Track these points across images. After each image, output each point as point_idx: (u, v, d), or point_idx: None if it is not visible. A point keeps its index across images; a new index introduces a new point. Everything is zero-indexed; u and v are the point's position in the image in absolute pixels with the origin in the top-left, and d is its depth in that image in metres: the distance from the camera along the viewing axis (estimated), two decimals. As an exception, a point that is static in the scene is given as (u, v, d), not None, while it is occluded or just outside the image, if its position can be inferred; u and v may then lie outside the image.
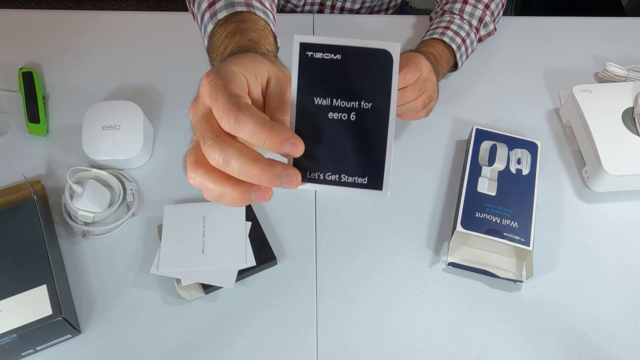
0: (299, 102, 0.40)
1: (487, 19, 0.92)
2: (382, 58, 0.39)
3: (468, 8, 0.90)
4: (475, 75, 0.96)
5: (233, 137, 0.37)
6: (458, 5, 0.90)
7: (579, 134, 0.87)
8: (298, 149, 0.37)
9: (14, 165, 0.84)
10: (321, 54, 0.39)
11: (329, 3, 1.05)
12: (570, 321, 0.73)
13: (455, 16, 0.90)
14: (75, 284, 0.74)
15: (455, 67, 0.92)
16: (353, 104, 0.40)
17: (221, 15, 0.60)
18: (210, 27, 0.60)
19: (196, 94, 0.41)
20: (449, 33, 0.88)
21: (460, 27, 0.89)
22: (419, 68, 0.74)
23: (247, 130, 0.36)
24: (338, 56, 0.39)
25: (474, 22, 0.91)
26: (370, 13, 1.11)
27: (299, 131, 0.40)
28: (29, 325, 0.64)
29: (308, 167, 0.40)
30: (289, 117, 0.39)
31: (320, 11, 1.06)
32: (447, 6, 0.92)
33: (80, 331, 0.71)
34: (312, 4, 1.05)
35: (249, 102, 0.39)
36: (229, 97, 0.37)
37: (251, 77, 0.40)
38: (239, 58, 0.41)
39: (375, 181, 0.40)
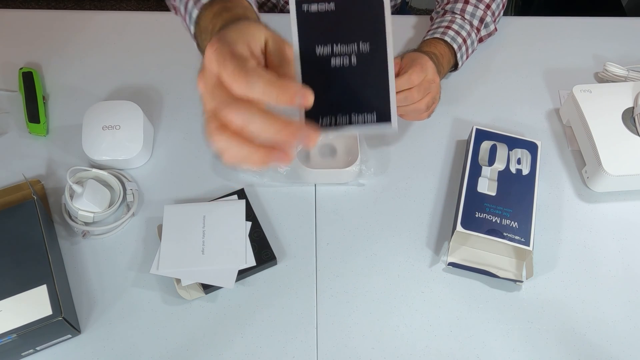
0: (302, 55, 0.42)
1: (488, 19, 0.92)
2: (372, 1, 0.42)
3: (469, 8, 0.90)
4: (475, 75, 0.96)
5: (246, 100, 0.39)
6: (459, 5, 0.90)
7: (579, 134, 0.87)
8: (308, 99, 0.39)
9: (14, 165, 0.84)
10: (316, 5, 0.42)
11: None
12: (570, 321, 0.73)
13: (456, 16, 0.90)
14: (75, 284, 0.74)
15: (455, 67, 0.92)
16: (352, 48, 0.42)
17: None
18: (195, 12, 0.61)
19: (201, 66, 0.42)
20: (451, 33, 0.88)
21: (462, 27, 0.89)
22: (424, 69, 0.74)
23: (258, 91, 0.38)
24: (332, 5, 0.42)
25: (475, 22, 0.91)
26: None
27: (306, 82, 0.42)
28: (29, 325, 0.64)
29: (320, 114, 0.42)
30: (295, 71, 0.42)
31: None
32: (449, 6, 0.92)
33: (80, 331, 0.71)
34: None
35: (255, 64, 0.41)
36: (236, 63, 0.39)
37: (251, 40, 0.42)
38: (235, 25, 0.44)
39: (383, 115, 0.43)
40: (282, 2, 1.05)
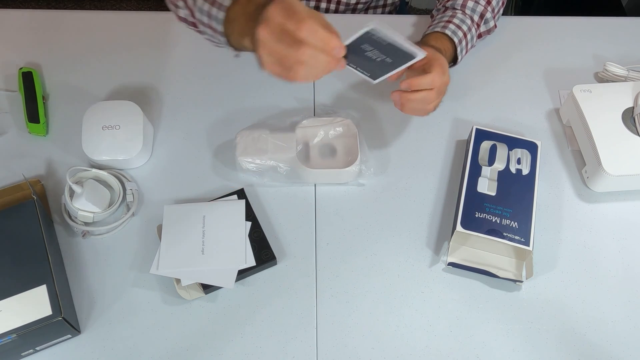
0: (351, 42, 0.62)
1: (488, 15, 0.93)
2: (408, 55, 0.65)
3: (470, 3, 0.90)
4: (475, 75, 0.96)
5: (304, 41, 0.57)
6: (460, 1, 0.91)
7: (579, 134, 0.87)
8: (341, 52, 0.59)
9: (14, 165, 0.84)
10: (377, 36, 0.61)
11: None
12: (570, 321, 0.73)
13: (457, 11, 0.90)
14: (75, 284, 0.74)
15: (454, 61, 0.92)
16: (383, 58, 0.66)
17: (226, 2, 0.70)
18: (221, 14, 0.70)
19: (263, 20, 0.58)
20: (451, 27, 0.88)
21: (462, 22, 0.89)
22: (444, 71, 0.75)
23: (315, 40, 0.57)
24: (385, 43, 0.62)
25: (476, 18, 0.91)
26: (367, 9, 1.11)
27: (348, 49, 0.62)
28: (29, 325, 0.64)
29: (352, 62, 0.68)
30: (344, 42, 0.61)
31: (317, 7, 1.06)
32: (449, 2, 0.92)
33: (80, 331, 0.71)
34: None
35: (312, 21, 0.57)
36: (302, 15, 0.57)
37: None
38: None
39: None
40: None
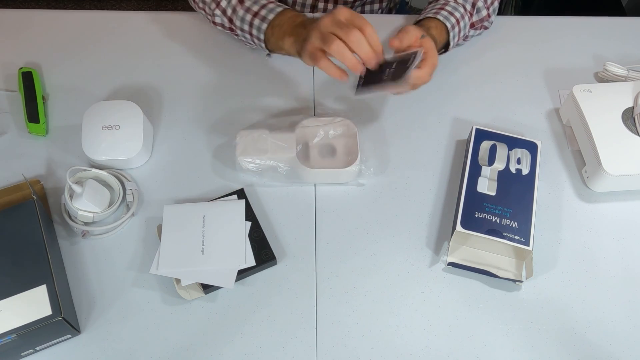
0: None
1: (480, 4, 0.93)
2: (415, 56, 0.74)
3: None
4: (475, 75, 0.96)
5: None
6: None
7: (578, 134, 0.87)
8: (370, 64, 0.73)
9: (14, 165, 0.84)
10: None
11: None
12: (570, 321, 0.73)
13: (449, 0, 0.91)
14: (75, 284, 0.74)
15: (446, 48, 0.92)
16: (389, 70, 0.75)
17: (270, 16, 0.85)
18: (264, 25, 0.85)
19: (329, 14, 0.72)
20: (444, 12, 0.89)
21: (455, 9, 0.90)
22: (432, 72, 0.78)
23: (362, 43, 0.71)
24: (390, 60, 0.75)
25: (468, 7, 0.92)
26: (363, 5, 1.11)
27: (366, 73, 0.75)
28: (29, 325, 0.64)
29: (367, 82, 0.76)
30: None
31: (314, 6, 1.06)
32: None
33: (80, 331, 0.71)
34: None
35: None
36: (361, 18, 0.71)
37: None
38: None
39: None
40: (296, 6, 1.07)
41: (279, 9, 0.85)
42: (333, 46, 0.70)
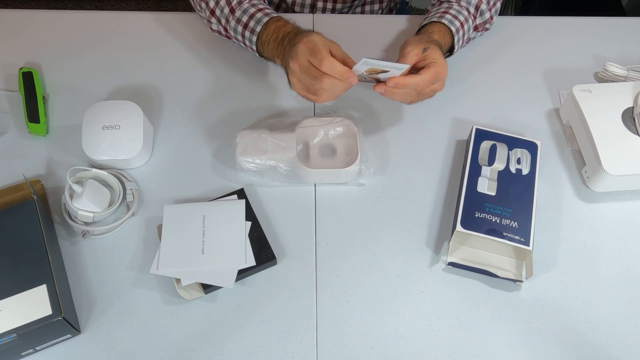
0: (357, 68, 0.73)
1: (484, 6, 0.93)
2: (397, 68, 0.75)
3: None
4: (475, 75, 0.96)
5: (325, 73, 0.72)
6: None
7: (578, 134, 0.87)
8: (353, 81, 0.72)
9: (14, 165, 0.84)
10: (371, 61, 0.71)
11: None
12: (570, 321, 0.73)
13: (453, 3, 0.91)
14: (75, 284, 0.74)
15: (450, 52, 0.92)
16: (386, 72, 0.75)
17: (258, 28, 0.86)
18: (254, 38, 0.87)
19: (293, 55, 0.74)
20: (448, 16, 0.89)
21: (459, 12, 0.90)
22: (436, 78, 0.77)
23: (334, 72, 0.71)
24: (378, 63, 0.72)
25: (471, 10, 0.92)
26: (363, 5, 1.11)
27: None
28: (29, 325, 0.64)
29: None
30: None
31: (313, 5, 1.06)
32: None
33: (80, 331, 0.71)
34: None
35: (331, 58, 0.71)
36: (323, 55, 0.71)
37: (328, 44, 0.74)
38: (312, 33, 0.76)
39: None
40: (296, 7, 1.07)
41: (265, 19, 0.85)
42: (322, 98, 0.75)
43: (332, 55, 0.73)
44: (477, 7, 0.93)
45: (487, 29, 0.98)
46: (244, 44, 0.89)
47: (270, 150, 0.81)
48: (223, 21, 0.90)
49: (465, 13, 0.91)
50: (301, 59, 0.73)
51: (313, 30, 0.78)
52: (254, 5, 0.87)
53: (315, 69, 0.72)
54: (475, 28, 0.94)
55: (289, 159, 0.81)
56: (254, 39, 0.86)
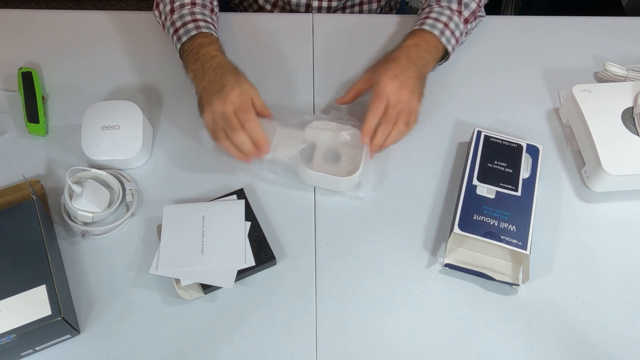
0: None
1: None
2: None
3: None
4: (476, 75, 0.96)
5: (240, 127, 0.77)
6: None
7: (578, 134, 0.87)
8: (265, 152, 0.80)
9: (14, 165, 0.84)
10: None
11: None
12: (570, 321, 0.73)
13: (434, 6, 0.91)
14: (75, 284, 0.74)
15: (446, 53, 0.91)
16: None
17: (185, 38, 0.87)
18: (179, 45, 0.88)
19: (224, 96, 0.77)
20: (429, 21, 0.89)
21: (440, 14, 0.89)
22: (382, 97, 0.80)
23: (250, 130, 0.77)
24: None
25: (454, 6, 0.91)
26: (361, 5, 1.11)
27: None
28: (29, 325, 0.64)
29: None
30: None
31: (309, 5, 1.06)
32: (426, 2, 0.94)
33: (80, 331, 0.71)
34: None
35: (254, 115, 0.78)
36: (251, 116, 0.77)
37: (252, 95, 0.80)
38: (243, 83, 0.80)
39: None
40: (292, 5, 1.07)
41: (194, 32, 0.86)
42: (222, 144, 0.78)
43: (252, 103, 0.78)
44: (459, 2, 0.91)
45: (481, 17, 0.97)
46: (172, 41, 0.91)
47: (275, 142, 0.81)
48: (163, 17, 0.92)
49: (448, 12, 0.90)
50: (228, 106, 0.76)
51: (238, 71, 0.82)
52: (192, 14, 0.88)
53: (236, 121, 0.76)
54: (466, 21, 0.93)
55: (291, 156, 0.81)
56: (179, 46, 0.88)
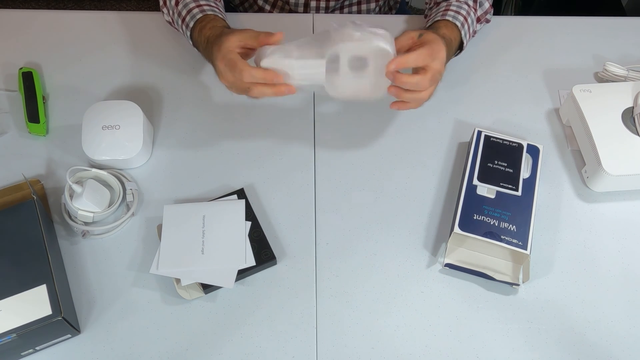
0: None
1: None
2: None
3: None
4: (475, 75, 0.96)
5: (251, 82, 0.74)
6: None
7: (578, 134, 0.87)
8: (280, 80, 0.74)
9: (14, 165, 0.84)
10: None
11: None
12: (570, 321, 0.73)
13: (451, 0, 0.91)
14: (75, 284, 0.74)
15: (460, 47, 0.91)
16: None
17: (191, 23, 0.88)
18: (188, 32, 0.88)
19: (218, 72, 0.76)
20: (450, 13, 0.88)
21: (460, 7, 0.89)
22: (434, 56, 0.74)
23: (258, 78, 0.73)
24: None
25: (470, 2, 0.91)
26: (359, 4, 1.11)
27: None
28: (29, 325, 0.64)
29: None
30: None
31: (307, 4, 1.06)
32: None
33: (80, 331, 0.71)
34: None
35: (245, 65, 0.73)
36: (240, 67, 0.73)
37: (233, 48, 0.75)
38: (223, 42, 0.76)
39: None
40: (290, 5, 1.07)
41: (199, 15, 0.86)
42: (260, 97, 0.75)
43: (249, 47, 0.75)
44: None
45: (487, 21, 0.97)
46: (185, 36, 0.90)
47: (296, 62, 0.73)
48: (170, 12, 0.92)
49: (466, 7, 0.90)
50: (226, 76, 0.75)
51: (224, 30, 0.79)
52: (195, 0, 0.88)
53: (241, 82, 0.74)
54: (478, 20, 0.94)
55: (317, 64, 0.73)
56: (188, 33, 0.88)
